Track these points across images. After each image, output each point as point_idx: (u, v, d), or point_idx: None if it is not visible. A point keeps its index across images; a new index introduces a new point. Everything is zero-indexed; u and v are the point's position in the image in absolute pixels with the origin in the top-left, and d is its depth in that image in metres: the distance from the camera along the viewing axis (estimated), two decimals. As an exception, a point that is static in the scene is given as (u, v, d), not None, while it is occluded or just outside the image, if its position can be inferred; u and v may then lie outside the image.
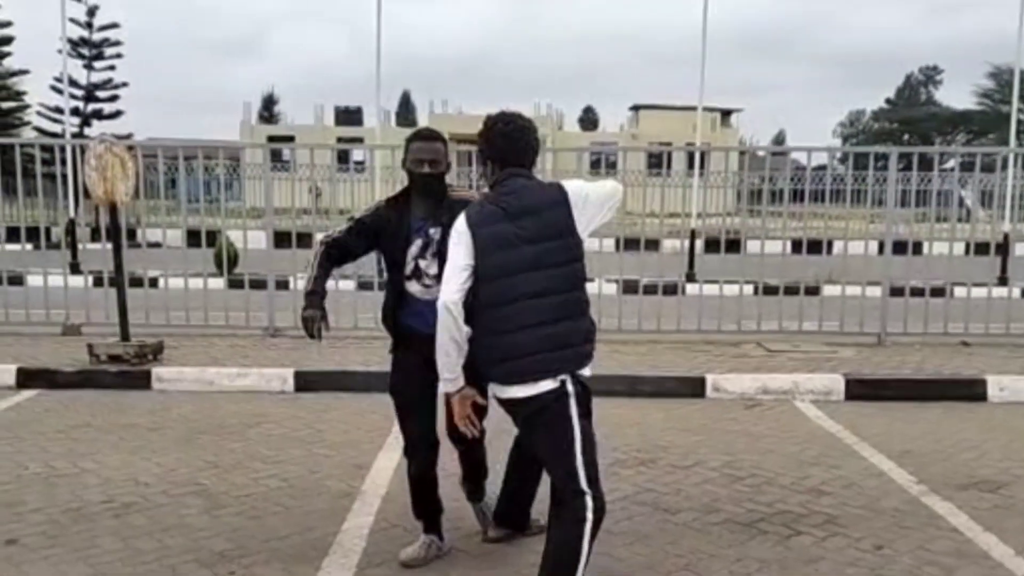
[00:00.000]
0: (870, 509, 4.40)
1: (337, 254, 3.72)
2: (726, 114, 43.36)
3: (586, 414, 3.13)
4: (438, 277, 3.41)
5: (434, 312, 3.15)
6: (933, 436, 5.75)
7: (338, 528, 4.05)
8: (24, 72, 33.02)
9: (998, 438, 5.73)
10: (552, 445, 3.08)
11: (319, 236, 3.76)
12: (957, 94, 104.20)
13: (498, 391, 3.19)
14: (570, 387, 3.07)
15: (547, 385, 3.05)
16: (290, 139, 30.52)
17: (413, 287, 3.56)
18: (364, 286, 8.78)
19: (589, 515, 2.98)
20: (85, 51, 31.67)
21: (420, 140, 3.57)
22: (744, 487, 4.69)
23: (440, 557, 3.73)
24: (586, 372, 3.17)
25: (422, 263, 3.54)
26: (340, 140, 30.43)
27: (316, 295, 3.62)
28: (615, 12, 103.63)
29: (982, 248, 9.80)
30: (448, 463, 3.84)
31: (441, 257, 3.37)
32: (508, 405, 3.19)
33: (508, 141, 3.25)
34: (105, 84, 32.61)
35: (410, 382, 3.60)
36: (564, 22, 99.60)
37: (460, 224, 3.17)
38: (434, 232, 3.51)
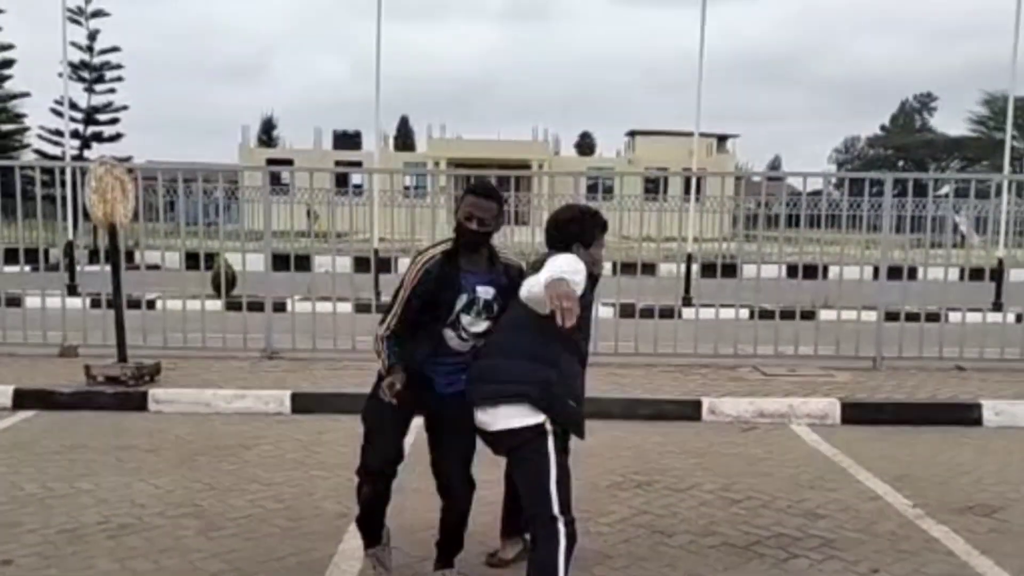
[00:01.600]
0: (866, 532, 4.41)
1: (401, 331, 3.58)
2: (722, 140, 43.63)
3: (564, 450, 3.36)
4: (479, 336, 3.48)
5: (458, 375, 3.44)
6: (929, 460, 5.76)
7: (334, 549, 4.05)
8: (24, 95, 33.19)
9: (993, 462, 5.75)
10: (531, 475, 3.30)
11: (378, 330, 3.61)
12: (951, 121, 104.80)
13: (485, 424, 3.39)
14: (549, 426, 3.27)
15: (528, 422, 3.27)
16: (289, 162, 30.64)
17: (450, 336, 3.50)
18: (362, 308, 8.80)
19: (562, 539, 3.18)
20: (86, 74, 31.83)
21: (474, 196, 3.51)
22: (740, 510, 4.70)
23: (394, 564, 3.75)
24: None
25: (464, 318, 3.49)
26: (338, 164, 30.54)
27: (392, 368, 3.54)
28: (613, 38, 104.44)
29: (977, 273, 9.84)
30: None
31: (489, 316, 3.47)
32: (496, 437, 3.39)
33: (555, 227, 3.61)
34: (105, 107, 32.75)
35: (385, 411, 3.53)
36: (562, 48, 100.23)
37: None
38: (483, 292, 3.49)
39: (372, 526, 3.73)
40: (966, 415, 6.79)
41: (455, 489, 3.57)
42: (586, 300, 3.36)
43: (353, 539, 4.16)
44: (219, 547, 4.09)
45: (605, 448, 5.55)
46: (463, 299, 3.48)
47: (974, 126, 51.26)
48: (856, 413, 6.78)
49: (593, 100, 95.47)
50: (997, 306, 11.26)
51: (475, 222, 3.45)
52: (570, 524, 3.22)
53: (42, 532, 4.23)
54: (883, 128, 69.05)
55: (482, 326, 3.49)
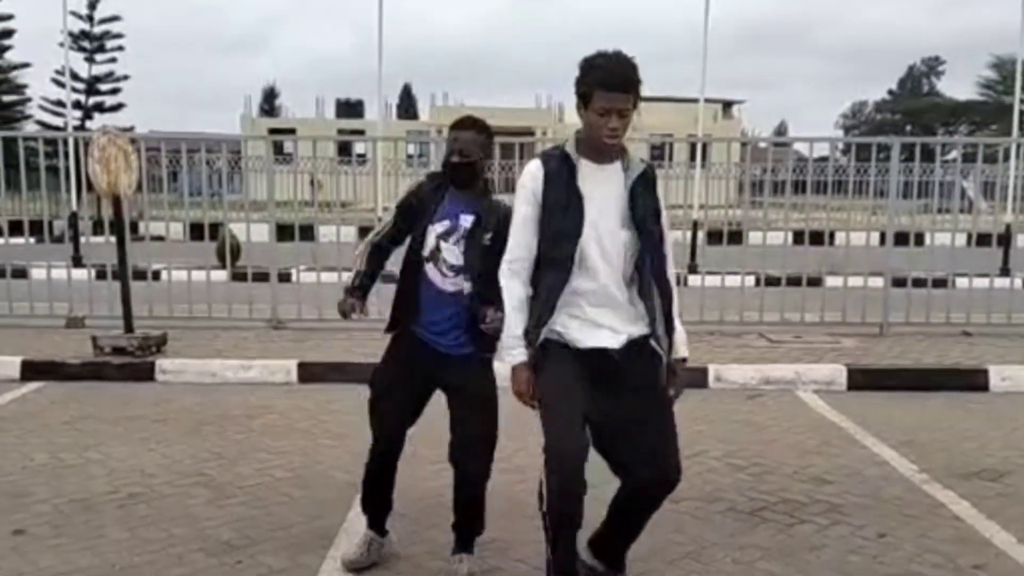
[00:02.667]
0: (872, 497, 4.42)
1: (386, 245, 3.67)
2: (728, 106, 43.36)
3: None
4: (457, 270, 3.37)
5: (459, 333, 3.36)
6: (935, 425, 5.77)
7: (343, 517, 4.07)
8: (25, 65, 33.04)
9: (1000, 427, 5.75)
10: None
11: (365, 239, 3.71)
12: (960, 85, 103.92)
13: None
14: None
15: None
16: (291, 132, 30.51)
17: (430, 270, 3.42)
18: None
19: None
20: (86, 44, 31.69)
21: (454, 129, 3.46)
22: (746, 476, 4.71)
23: (381, 560, 3.60)
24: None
25: (443, 244, 3.40)
26: (341, 133, 30.41)
27: (356, 290, 3.67)
28: (618, 4, 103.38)
29: (984, 239, 9.78)
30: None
31: (468, 247, 3.36)
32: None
33: None
34: (106, 77, 32.64)
35: (392, 378, 3.55)
36: (566, 14, 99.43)
37: None
38: (465, 220, 3.40)
39: (374, 503, 3.63)
40: (973, 381, 6.78)
41: (465, 452, 3.43)
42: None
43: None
44: (228, 515, 4.11)
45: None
46: (444, 224, 3.41)
47: (982, 90, 50.74)
48: (862, 379, 6.78)
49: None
50: (1004, 272, 11.22)
51: (456, 155, 3.40)
52: None
53: (53, 502, 4.26)
54: (891, 93, 68.59)
55: (460, 259, 3.37)
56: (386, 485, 3.62)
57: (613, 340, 3.05)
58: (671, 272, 3.17)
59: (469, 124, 3.49)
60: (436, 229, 3.41)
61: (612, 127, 2.99)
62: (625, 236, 3.06)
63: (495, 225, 3.37)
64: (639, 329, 3.07)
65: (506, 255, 3.13)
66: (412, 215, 3.50)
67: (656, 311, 3.08)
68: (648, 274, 3.08)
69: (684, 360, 3.17)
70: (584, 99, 3.02)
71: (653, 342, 3.07)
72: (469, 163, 3.41)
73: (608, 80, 2.96)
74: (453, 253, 3.40)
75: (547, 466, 2.94)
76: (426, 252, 3.42)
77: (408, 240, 3.51)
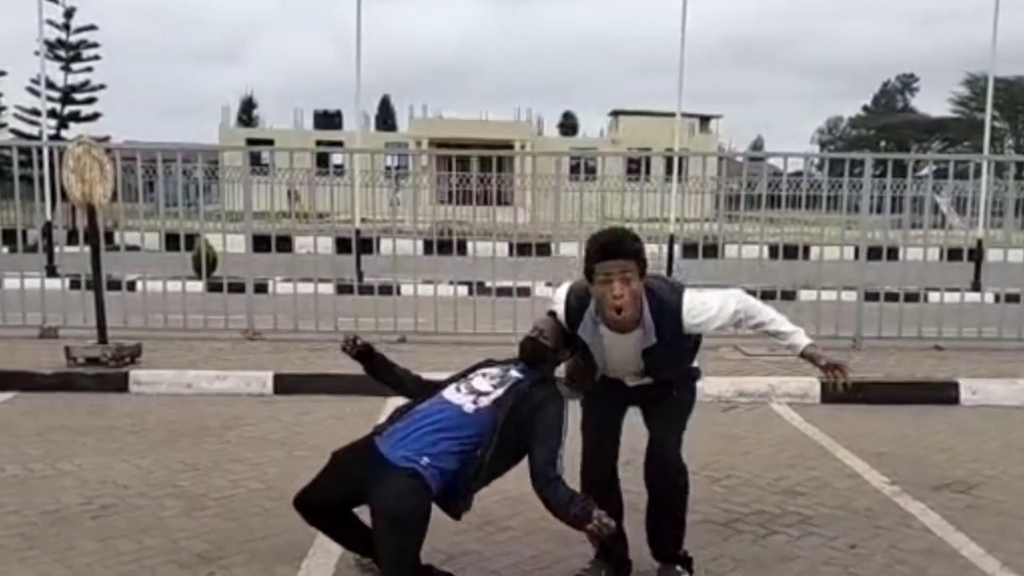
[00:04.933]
0: (844, 509, 4.47)
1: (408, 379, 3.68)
2: (705, 120, 43.69)
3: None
4: (477, 393, 3.28)
5: (427, 428, 3.17)
6: (906, 438, 5.83)
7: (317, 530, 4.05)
8: (0, 73, 32.74)
9: (969, 440, 5.83)
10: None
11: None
12: (934, 102, 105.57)
13: None
14: None
15: None
16: (269, 143, 30.43)
17: (448, 390, 3.34)
18: (343, 289, 8.79)
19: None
20: (62, 53, 31.43)
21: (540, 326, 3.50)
22: (721, 488, 4.75)
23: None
24: None
25: (479, 378, 3.37)
26: (319, 144, 30.35)
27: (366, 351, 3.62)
28: (596, 18, 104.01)
29: (956, 254, 9.92)
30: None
31: (500, 387, 3.30)
32: None
33: None
34: (82, 86, 32.37)
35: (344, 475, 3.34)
36: (545, 28, 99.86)
37: None
38: (514, 372, 3.38)
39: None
40: (943, 394, 6.87)
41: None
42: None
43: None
44: (202, 527, 4.09)
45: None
46: (494, 370, 3.42)
47: (956, 107, 51.63)
48: (835, 392, 6.81)
49: (576, 81, 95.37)
50: (976, 286, 11.36)
51: (536, 331, 3.45)
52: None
53: (24, 513, 4.22)
54: (866, 109, 69.39)
55: (487, 387, 3.31)
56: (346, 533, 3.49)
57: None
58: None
59: (552, 311, 3.52)
60: (484, 371, 3.43)
61: (616, 294, 3.16)
62: (639, 376, 3.45)
63: (530, 406, 3.23)
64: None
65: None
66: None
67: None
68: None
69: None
70: (590, 275, 3.24)
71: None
72: (543, 345, 3.42)
73: (606, 249, 3.19)
74: (482, 382, 3.34)
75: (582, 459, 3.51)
76: (456, 377, 3.43)
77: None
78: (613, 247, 3.19)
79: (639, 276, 3.21)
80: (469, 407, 3.22)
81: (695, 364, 3.64)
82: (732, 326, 3.52)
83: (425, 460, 3.11)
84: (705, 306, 3.36)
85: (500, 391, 3.28)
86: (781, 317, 3.54)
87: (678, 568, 3.59)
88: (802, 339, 3.54)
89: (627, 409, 3.63)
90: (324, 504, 3.37)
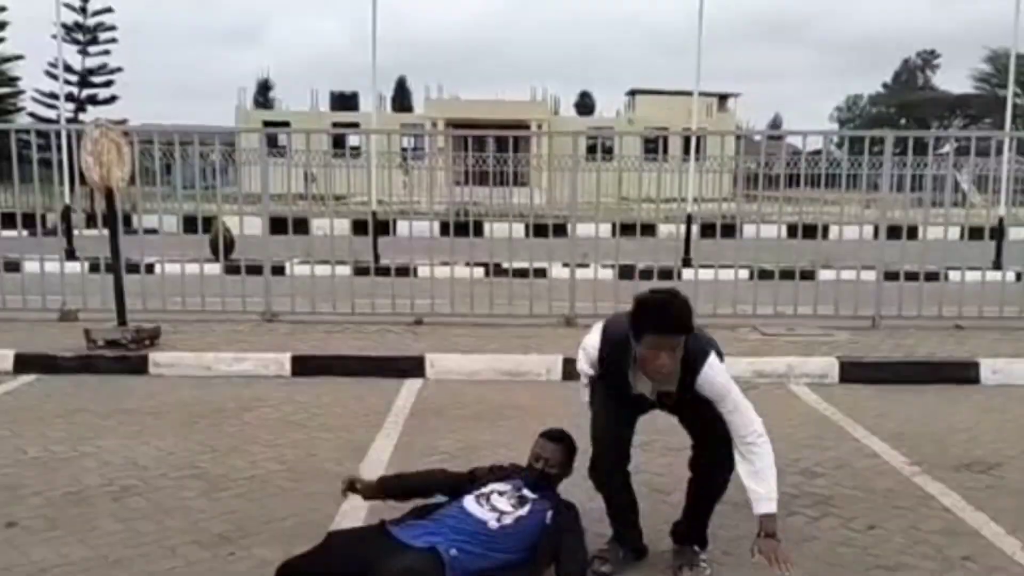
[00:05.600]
0: (863, 489, 4.45)
1: (422, 487, 3.72)
2: (723, 99, 43.28)
3: None
4: (499, 511, 3.33)
5: (454, 543, 3.15)
6: (926, 418, 5.80)
7: (336, 510, 4.08)
8: (18, 57, 32.95)
9: (990, 420, 5.78)
10: None
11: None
12: (955, 78, 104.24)
13: None
14: None
15: None
16: (285, 124, 30.46)
17: (469, 501, 3.39)
18: (360, 271, 8.80)
19: None
20: (79, 36, 31.55)
21: (544, 438, 3.64)
22: (738, 469, 4.73)
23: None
24: None
25: (496, 496, 3.42)
26: (335, 125, 30.34)
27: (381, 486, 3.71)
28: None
29: (977, 232, 9.81)
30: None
31: (521, 506, 3.37)
32: None
33: None
34: (100, 69, 32.54)
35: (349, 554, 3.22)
36: (562, 6, 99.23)
37: None
38: (528, 493, 3.45)
39: None
40: (964, 373, 6.81)
41: None
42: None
43: (354, 499, 4.19)
44: (222, 508, 4.12)
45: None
46: (507, 486, 3.47)
47: (977, 83, 50.96)
48: (854, 372, 6.81)
49: (593, 60, 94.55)
50: (997, 265, 11.26)
51: (541, 462, 3.55)
52: None
53: (46, 495, 4.26)
54: (885, 86, 68.57)
55: (509, 507, 3.37)
56: None
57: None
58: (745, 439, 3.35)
59: (558, 438, 3.64)
60: (497, 488, 3.46)
61: (660, 363, 3.16)
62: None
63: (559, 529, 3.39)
64: None
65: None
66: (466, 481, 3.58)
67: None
68: None
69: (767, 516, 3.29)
70: (636, 335, 3.19)
71: None
72: (549, 475, 3.55)
73: (660, 324, 3.13)
74: (502, 503, 3.40)
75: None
76: (476, 490, 3.45)
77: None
78: (668, 324, 3.13)
79: (683, 345, 3.18)
80: (493, 524, 3.31)
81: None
82: (744, 427, 3.33)
83: (454, 551, 3.14)
84: (722, 388, 3.30)
85: (522, 511, 3.39)
86: (771, 472, 3.34)
87: (695, 548, 3.61)
88: (765, 506, 3.30)
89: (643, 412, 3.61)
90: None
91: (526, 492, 3.48)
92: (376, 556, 3.07)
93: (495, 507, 3.38)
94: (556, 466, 3.58)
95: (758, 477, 3.30)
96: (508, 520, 3.34)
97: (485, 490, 3.46)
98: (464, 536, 3.23)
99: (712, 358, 3.29)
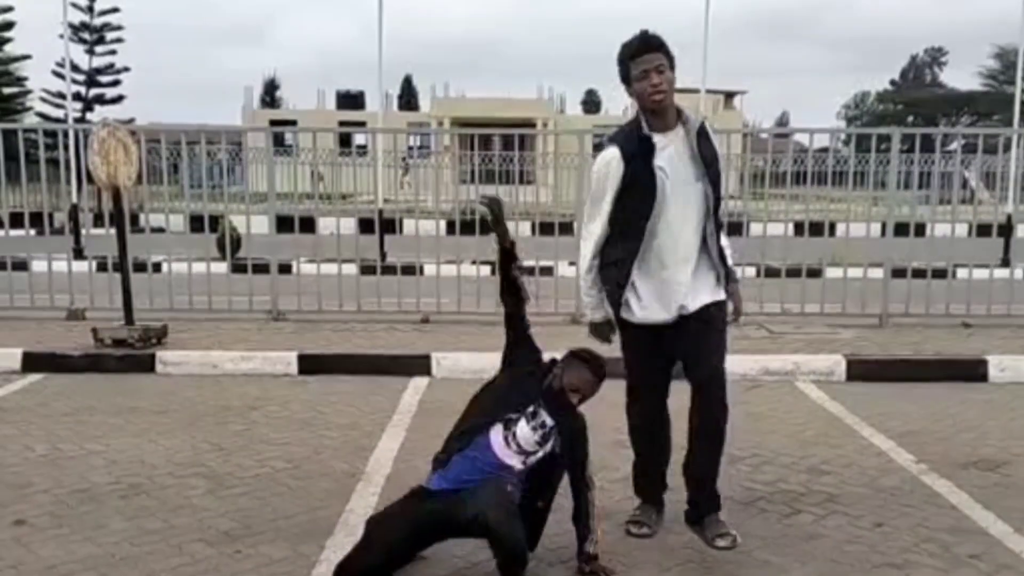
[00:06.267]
0: (870, 487, 4.44)
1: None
2: (729, 96, 43.21)
3: None
4: (526, 455, 3.37)
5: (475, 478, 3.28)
6: (934, 416, 5.78)
7: (343, 508, 4.10)
8: (26, 57, 33.01)
9: (998, 418, 5.76)
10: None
11: None
12: (962, 75, 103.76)
13: None
14: None
15: None
16: (292, 123, 30.50)
17: (495, 434, 3.39)
18: (367, 270, 8.81)
19: None
20: (86, 36, 31.62)
21: (575, 358, 3.58)
22: (745, 467, 4.73)
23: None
24: None
25: (524, 425, 3.40)
26: (342, 124, 30.36)
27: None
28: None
29: (984, 230, 9.77)
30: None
31: (541, 444, 3.39)
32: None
33: None
34: (107, 69, 32.59)
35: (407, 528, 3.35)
36: (567, 4, 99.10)
37: None
38: (548, 419, 3.43)
39: None
40: (972, 371, 6.78)
41: None
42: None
43: (361, 498, 4.22)
44: (228, 506, 4.13)
45: (610, 407, 5.56)
46: (535, 415, 3.43)
47: (985, 80, 50.80)
48: (861, 370, 6.79)
49: (599, 57, 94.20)
50: (1005, 262, 11.20)
51: (577, 396, 3.51)
52: None
53: (54, 493, 4.28)
54: (893, 83, 68.33)
55: (534, 447, 3.39)
56: None
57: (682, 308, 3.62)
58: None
59: (598, 369, 3.56)
60: (523, 426, 3.41)
61: (654, 83, 3.49)
62: (700, 189, 3.57)
63: (570, 442, 3.46)
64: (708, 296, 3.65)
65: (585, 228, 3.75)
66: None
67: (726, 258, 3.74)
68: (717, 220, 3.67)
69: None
70: (626, 79, 3.58)
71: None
72: (571, 403, 3.51)
73: (636, 47, 3.53)
74: (528, 439, 3.40)
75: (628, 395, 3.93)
76: (502, 421, 3.41)
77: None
78: (643, 44, 3.52)
79: (670, 68, 3.53)
80: (519, 467, 3.38)
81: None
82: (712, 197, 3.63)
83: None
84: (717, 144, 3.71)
85: (547, 446, 3.42)
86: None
87: (718, 517, 3.65)
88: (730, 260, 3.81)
89: (672, 363, 3.79)
90: (374, 568, 3.29)
91: (547, 420, 3.43)
92: (438, 516, 3.25)
93: (521, 447, 3.38)
94: (582, 392, 3.53)
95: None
96: (533, 460, 3.40)
97: (513, 427, 3.40)
98: (501, 479, 3.31)
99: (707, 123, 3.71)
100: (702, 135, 3.59)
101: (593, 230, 3.71)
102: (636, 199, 3.54)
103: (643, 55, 3.49)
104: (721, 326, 3.71)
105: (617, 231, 3.64)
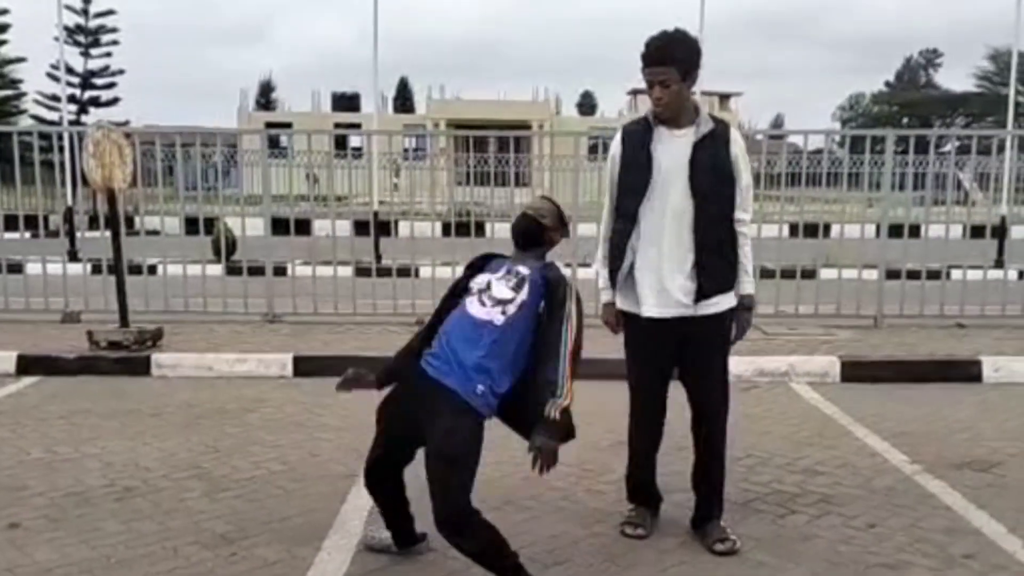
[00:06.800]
0: (864, 488, 4.45)
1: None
2: (725, 98, 43.33)
3: None
4: (501, 302, 3.29)
5: (466, 346, 3.21)
6: (928, 417, 5.79)
7: (338, 509, 4.10)
8: (20, 60, 33.01)
9: (992, 418, 5.78)
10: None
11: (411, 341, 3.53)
12: (957, 77, 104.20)
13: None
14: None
15: None
16: (287, 125, 30.50)
17: (470, 302, 3.33)
18: (362, 272, 8.81)
19: None
20: (81, 38, 31.61)
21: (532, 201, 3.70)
22: (740, 468, 4.73)
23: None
24: None
25: (495, 283, 3.35)
26: (337, 126, 30.37)
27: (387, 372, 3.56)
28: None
29: (979, 231, 9.81)
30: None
31: (519, 287, 3.33)
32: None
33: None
34: (102, 71, 32.62)
35: (395, 415, 3.45)
36: (563, 6, 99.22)
37: None
38: (523, 270, 3.39)
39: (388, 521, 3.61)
40: (966, 372, 6.81)
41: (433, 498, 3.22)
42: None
43: (356, 499, 4.22)
44: (224, 508, 4.13)
45: (606, 408, 5.57)
46: (502, 271, 3.40)
47: (979, 81, 50.97)
48: (856, 371, 6.81)
49: (595, 59, 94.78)
50: (999, 263, 11.24)
51: (531, 209, 3.54)
52: None
53: (49, 495, 4.28)
54: (888, 85, 68.50)
55: (508, 293, 3.31)
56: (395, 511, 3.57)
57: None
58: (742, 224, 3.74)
59: (546, 199, 3.65)
60: (494, 275, 3.39)
61: (656, 97, 3.55)
62: (690, 190, 3.57)
63: (552, 295, 3.34)
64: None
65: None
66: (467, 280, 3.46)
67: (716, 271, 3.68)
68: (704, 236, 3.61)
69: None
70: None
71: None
72: (539, 224, 3.48)
73: (645, 56, 3.54)
74: (502, 289, 3.33)
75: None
76: (473, 288, 3.37)
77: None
78: (649, 56, 3.53)
79: (681, 79, 3.53)
80: (499, 319, 3.26)
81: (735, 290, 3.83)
82: (748, 206, 3.74)
83: (480, 388, 3.20)
84: (745, 154, 3.69)
85: (523, 293, 3.31)
86: (749, 260, 3.85)
87: (720, 522, 3.79)
88: (749, 287, 3.84)
89: (672, 369, 3.84)
90: (388, 455, 3.44)
91: (520, 268, 3.39)
92: (421, 410, 3.24)
93: (496, 298, 3.30)
94: (547, 215, 3.49)
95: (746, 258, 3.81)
96: (512, 309, 3.28)
97: (483, 284, 3.36)
98: (486, 356, 3.20)
99: (736, 129, 3.75)
100: (719, 140, 3.61)
101: (604, 214, 3.86)
102: (631, 178, 3.65)
103: (648, 67, 3.55)
104: (722, 344, 3.77)
105: (619, 213, 3.74)
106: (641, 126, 3.71)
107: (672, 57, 3.52)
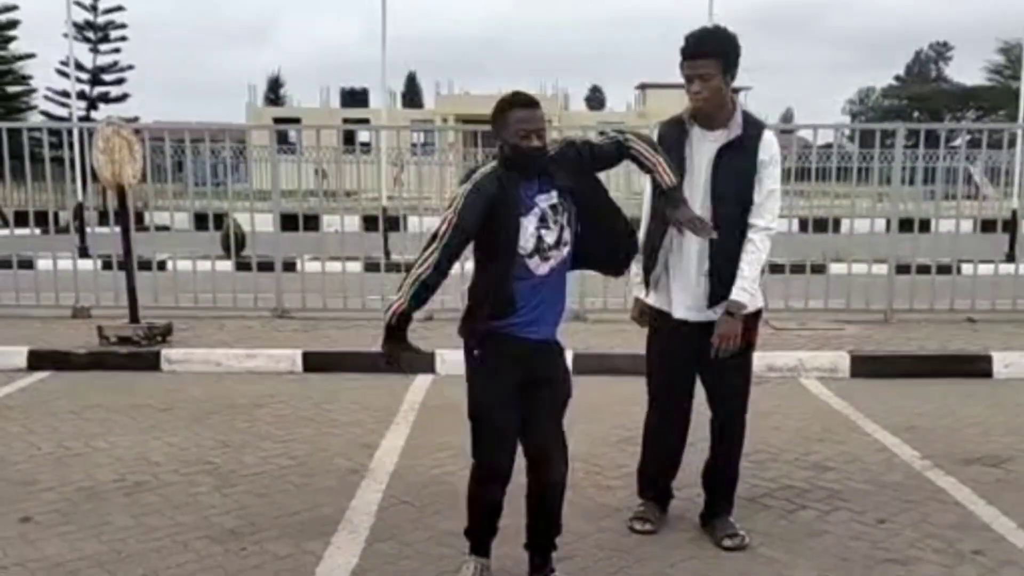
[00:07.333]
0: (873, 484, 4.44)
1: (435, 282, 3.29)
2: (734, 92, 43.09)
3: None
4: (558, 244, 3.10)
5: (539, 316, 3.14)
6: (937, 412, 5.77)
7: (347, 505, 4.11)
8: (30, 56, 33.09)
9: (1002, 414, 5.75)
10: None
11: (410, 276, 3.32)
12: (967, 70, 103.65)
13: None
14: None
15: None
16: (296, 121, 30.52)
17: (533, 262, 3.07)
18: (371, 267, 8.82)
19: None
20: (90, 34, 31.70)
21: (522, 108, 3.02)
22: (749, 463, 4.70)
23: None
24: None
25: (543, 232, 3.06)
26: (346, 122, 30.36)
27: (399, 330, 3.39)
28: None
29: (989, 225, 9.76)
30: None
31: (567, 221, 3.11)
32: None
33: None
34: (111, 67, 32.71)
35: (498, 393, 3.17)
36: (572, 1, 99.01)
37: None
38: (549, 198, 3.07)
39: (480, 531, 3.33)
40: (976, 367, 6.77)
41: (550, 452, 3.22)
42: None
43: (365, 494, 4.23)
44: (233, 503, 4.15)
45: (615, 404, 5.59)
46: (535, 213, 3.05)
47: (990, 75, 50.61)
48: (865, 366, 6.78)
49: (603, 54, 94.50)
50: (1010, 257, 11.18)
51: (535, 137, 3.00)
52: None
53: (59, 490, 4.30)
54: (898, 78, 68.10)
55: (555, 236, 3.08)
56: (496, 512, 3.28)
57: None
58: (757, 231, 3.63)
59: (533, 102, 3.08)
60: (532, 221, 3.06)
61: (694, 91, 3.49)
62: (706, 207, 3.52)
63: (577, 161, 3.13)
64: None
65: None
66: (478, 223, 3.05)
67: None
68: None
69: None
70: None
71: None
72: (545, 148, 3.06)
73: (684, 50, 3.50)
74: (551, 235, 3.08)
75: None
76: (528, 247, 3.06)
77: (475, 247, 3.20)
78: (692, 47, 3.48)
79: (722, 73, 3.48)
80: (564, 252, 3.14)
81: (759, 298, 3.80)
82: (768, 213, 3.65)
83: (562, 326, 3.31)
84: (776, 159, 3.62)
85: (563, 216, 3.10)
86: (757, 266, 3.68)
87: (729, 518, 3.81)
88: (738, 294, 3.62)
89: (696, 367, 3.79)
90: (510, 463, 3.21)
91: (553, 196, 3.09)
92: (536, 366, 3.20)
93: (549, 243, 3.08)
94: (542, 129, 3.05)
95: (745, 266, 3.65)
96: (567, 236, 3.12)
97: (534, 243, 3.07)
98: (563, 294, 3.25)
99: (770, 133, 3.68)
100: (748, 144, 3.55)
101: (645, 209, 3.83)
102: None
103: (689, 59, 3.49)
104: (744, 348, 3.69)
105: (653, 213, 3.71)
106: (677, 127, 3.66)
107: (713, 50, 3.48)
